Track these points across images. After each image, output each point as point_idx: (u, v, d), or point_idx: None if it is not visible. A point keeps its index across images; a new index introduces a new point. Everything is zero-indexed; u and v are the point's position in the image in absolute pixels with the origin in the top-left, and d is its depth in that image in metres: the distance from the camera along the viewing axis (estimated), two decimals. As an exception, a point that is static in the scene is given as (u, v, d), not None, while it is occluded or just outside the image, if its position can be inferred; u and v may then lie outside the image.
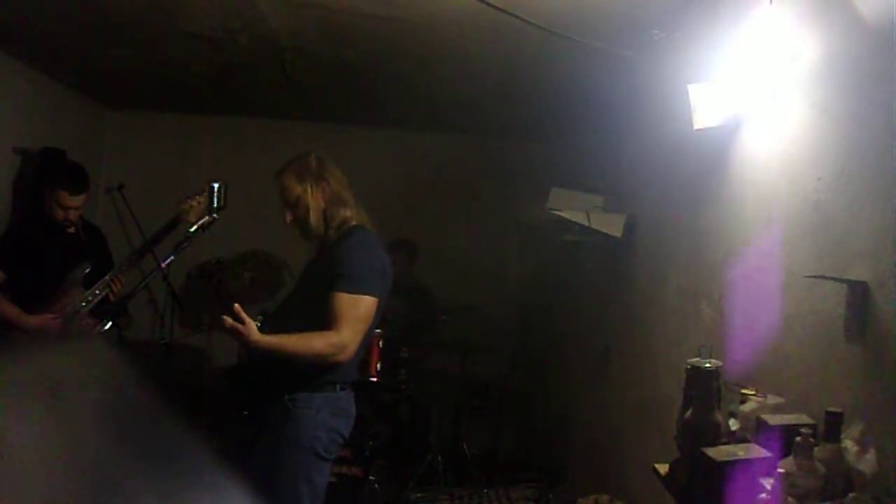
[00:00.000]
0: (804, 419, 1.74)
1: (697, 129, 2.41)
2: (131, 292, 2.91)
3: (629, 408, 3.40)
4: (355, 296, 2.25)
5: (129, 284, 3.31)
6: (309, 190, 2.38)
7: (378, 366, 3.92)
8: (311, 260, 2.53)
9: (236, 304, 2.23)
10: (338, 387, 2.32)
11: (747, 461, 1.61)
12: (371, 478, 3.95)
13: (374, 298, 2.29)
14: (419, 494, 3.97)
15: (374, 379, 3.91)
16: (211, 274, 4.31)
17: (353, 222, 2.41)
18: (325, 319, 2.24)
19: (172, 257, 2.66)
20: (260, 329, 2.29)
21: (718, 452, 1.64)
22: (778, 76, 2.10)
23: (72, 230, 3.39)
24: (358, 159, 4.76)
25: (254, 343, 2.22)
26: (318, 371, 2.28)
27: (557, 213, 3.55)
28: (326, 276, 2.28)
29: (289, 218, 2.41)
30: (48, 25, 3.24)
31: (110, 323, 3.12)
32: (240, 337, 2.21)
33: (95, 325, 3.18)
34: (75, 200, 3.27)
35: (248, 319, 2.22)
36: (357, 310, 2.25)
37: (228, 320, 2.18)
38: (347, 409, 2.36)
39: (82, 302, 3.21)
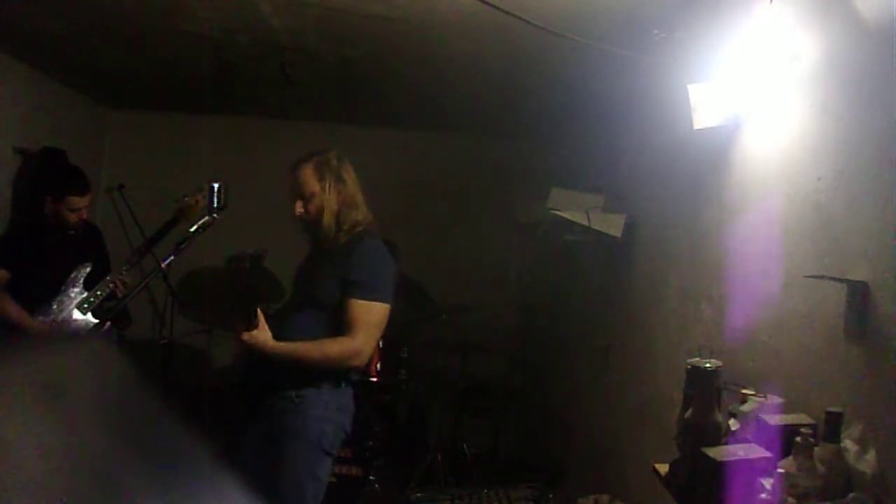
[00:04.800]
0: (804, 419, 1.74)
1: (697, 129, 2.41)
2: (130, 293, 2.92)
3: (629, 408, 3.40)
4: (370, 303, 2.28)
5: (129, 285, 3.33)
6: (326, 189, 2.35)
7: (378, 366, 3.93)
8: (308, 258, 2.53)
9: (258, 309, 2.25)
10: (342, 383, 2.35)
11: (747, 461, 1.61)
12: (371, 478, 3.95)
13: (387, 305, 2.33)
14: (419, 494, 3.97)
15: (374, 379, 3.92)
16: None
17: (363, 227, 2.41)
18: (331, 320, 2.29)
19: (172, 257, 2.66)
20: None
21: (718, 452, 1.64)
22: (778, 76, 2.10)
23: (73, 231, 3.40)
24: (358, 159, 4.75)
25: (269, 350, 2.25)
26: (327, 370, 2.31)
27: (557, 213, 3.55)
28: (338, 279, 2.30)
29: (299, 210, 2.37)
30: (48, 25, 3.24)
31: (109, 323, 3.13)
32: (255, 347, 2.23)
33: (94, 326, 3.18)
34: (84, 200, 3.35)
35: (264, 325, 2.24)
36: (372, 316, 2.28)
37: (246, 334, 2.20)
38: (350, 405, 2.40)
39: (84, 303, 3.22)
